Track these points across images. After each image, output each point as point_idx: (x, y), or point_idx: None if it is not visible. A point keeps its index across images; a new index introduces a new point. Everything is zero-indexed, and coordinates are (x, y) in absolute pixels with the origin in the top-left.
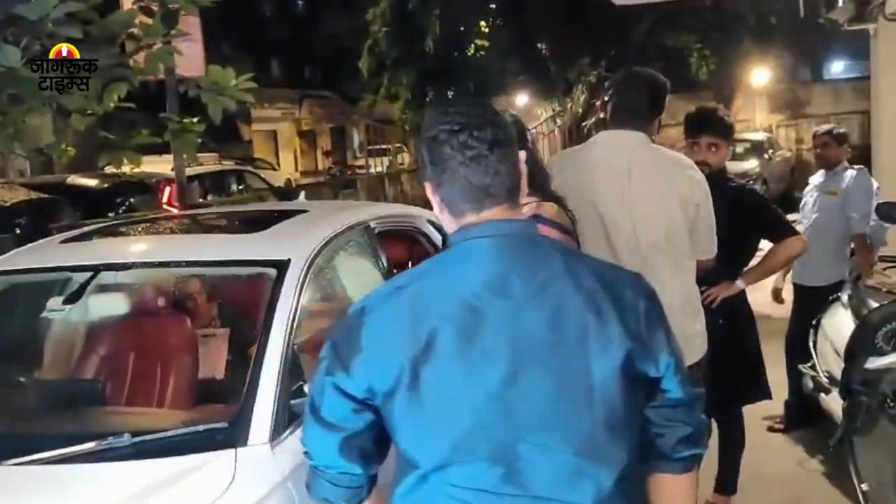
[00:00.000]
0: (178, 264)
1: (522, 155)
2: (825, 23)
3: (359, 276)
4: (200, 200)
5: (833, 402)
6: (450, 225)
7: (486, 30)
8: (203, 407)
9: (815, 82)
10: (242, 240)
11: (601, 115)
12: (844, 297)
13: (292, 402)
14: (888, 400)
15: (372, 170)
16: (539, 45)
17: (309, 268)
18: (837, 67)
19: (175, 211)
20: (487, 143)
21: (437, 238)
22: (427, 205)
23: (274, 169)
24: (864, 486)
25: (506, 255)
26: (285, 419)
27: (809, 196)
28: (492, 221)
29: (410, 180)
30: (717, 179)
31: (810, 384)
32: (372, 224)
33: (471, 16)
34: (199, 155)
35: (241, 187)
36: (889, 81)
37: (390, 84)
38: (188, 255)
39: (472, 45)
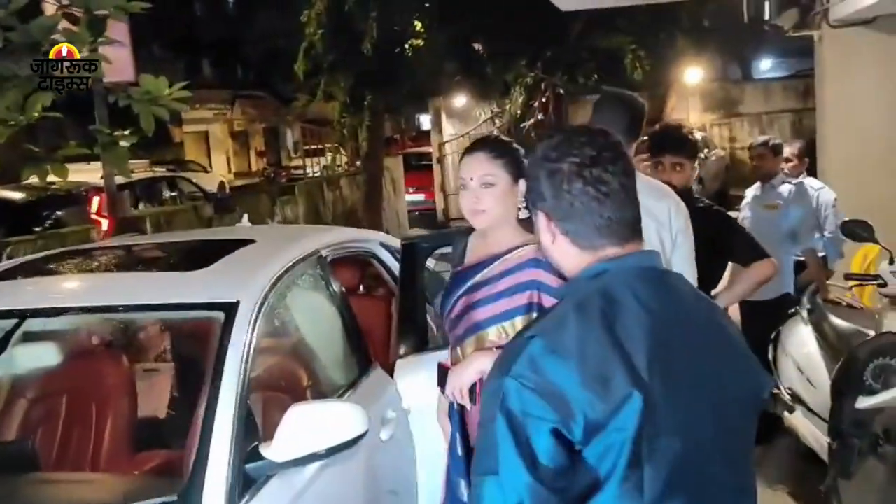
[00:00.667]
0: (113, 309)
1: (521, 185)
2: (770, 29)
3: (311, 312)
4: (132, 209)
5: (797, 420)
6: (571, 258)
7: (422, 30)
8: (146, 454)
9: (745, 81)
10: (185, 280)
11: (539, 117)
12: (804, 311)
13: (247, 466)
14: (879, 441)
15: (308, 171)
16: (476, 46)
17: (259, 310)
18: (766, 66)
19: (104, 223)
20: (620, 177)
21: (392, 262)
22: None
23: (206, 171)
24: None
25: (658, 287)
26: (240, 488)
27: (749, 210)
28: (636, 254)
29: (350, 184)
30: (684, 200)
31: (772, 402)
32: (324, 253)
33: (407, 16)
34: (129, 162)
35: (173, 194)
36: (833, 88)
37: (327, 86)
38: (125, 298)
39: (409, 46)
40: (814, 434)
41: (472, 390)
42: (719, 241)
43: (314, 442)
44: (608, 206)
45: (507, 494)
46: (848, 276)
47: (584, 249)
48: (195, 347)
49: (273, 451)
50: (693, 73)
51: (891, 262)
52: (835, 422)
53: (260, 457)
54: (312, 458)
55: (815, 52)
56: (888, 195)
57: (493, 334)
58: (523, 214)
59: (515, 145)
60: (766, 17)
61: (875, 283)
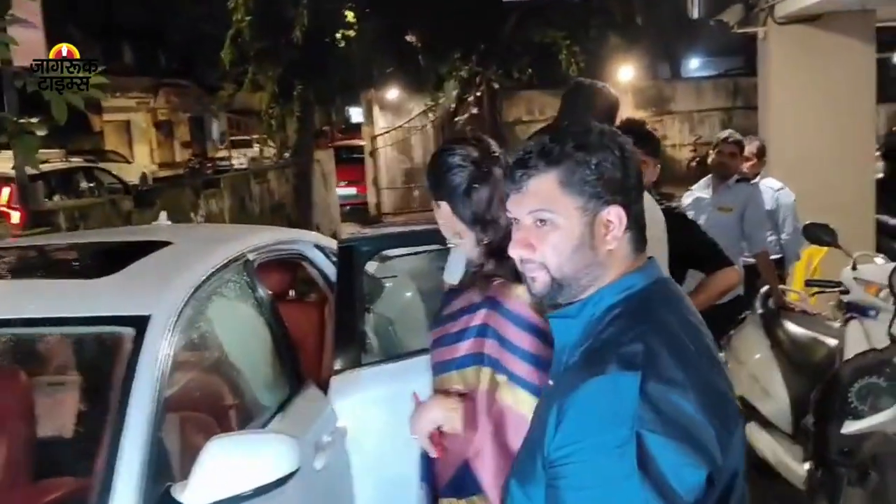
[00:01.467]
0: (5, 324)
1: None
2: (715, 25)
3: (236, 324)
4: (46, 201)
5: (749, 430)
6: (620, 263)
7: (354, 20)
8: (48, 482)
9: (676, 79)
10: (90, 289)
11: (473, 111)
12: (756, 316)
13: None
14: (869, 470)
15: (234, 161)
16: (409, 38)
17: (175, 325)
18: (695, 65)
19: (15, 215)
20: None
21: (326, 265)
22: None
23: (128, 162)
24: None
25: (677, 301)
26: None
27: (698, 211)
28: (653, 262)
29: (278, 177)
30: None
31: None
32: (251, 257)
33: (339, 5)
34: (43, 151)
35: (91, 185)
36: (778, 85)
37: (255, 75)
38: (20, 311)
39: (341, 36)
40: (769, 445)
41: (433, 438)
42: (683, 247)
43: (237, 482)
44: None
45: None
46: (809, 283)
47: (632, 253)
48: (105, 360)
49: (189, 494)
50: (625, 71)
51: (853, 269)
52: (819, 450)
53: (172, 501)
54: (236, 500)
55: (759, 50)
56: (830, 193)
57: (455, 380)
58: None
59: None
60: (695, 13)
61: (837, 290)
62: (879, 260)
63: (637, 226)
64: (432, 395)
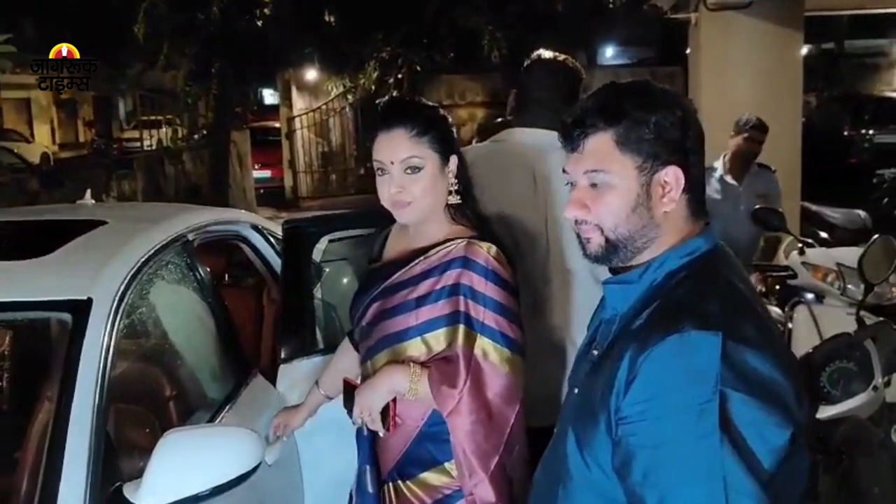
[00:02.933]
0: None
1: (453, 163)
2: (648, 10)
3: (179, 309)
4: None
5: None
6: (679, 228)
7: None
8: None
9: (592, 67)
10: (20, 271)
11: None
12: None
13: None
14: (842, 454)
15: (144, 143)
16: (328, 19)
17: (117, 311)
18: (610, 53)
19: None
20: None
21: (265, 248)
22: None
23: (28, 141)
24: None
25: (736, 266)
26: None
27: (732, 200)
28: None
29: (193, 159)
30: None
31: None
32: (190, 237)
33: None
34: None
35: None
36: (708, 71)
37: (170, 53)
38: None
39: (259, 15)
40: None
41: (384, 412)
42: None
43: (195, 480)
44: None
45: None
46: (757, 267)
47: (692, 217)
48: (41, 349)
49: (141, 494)
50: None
51: (801, 253)
52: None
53: (124, 502)
54: (193, 500)
55: (690, 36)
56: None
57: (413, 348)
58: (454, 199)
59: (441, 111)
60: None
61: (785, 273)
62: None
63: (696, 189)
64: (385, 367)
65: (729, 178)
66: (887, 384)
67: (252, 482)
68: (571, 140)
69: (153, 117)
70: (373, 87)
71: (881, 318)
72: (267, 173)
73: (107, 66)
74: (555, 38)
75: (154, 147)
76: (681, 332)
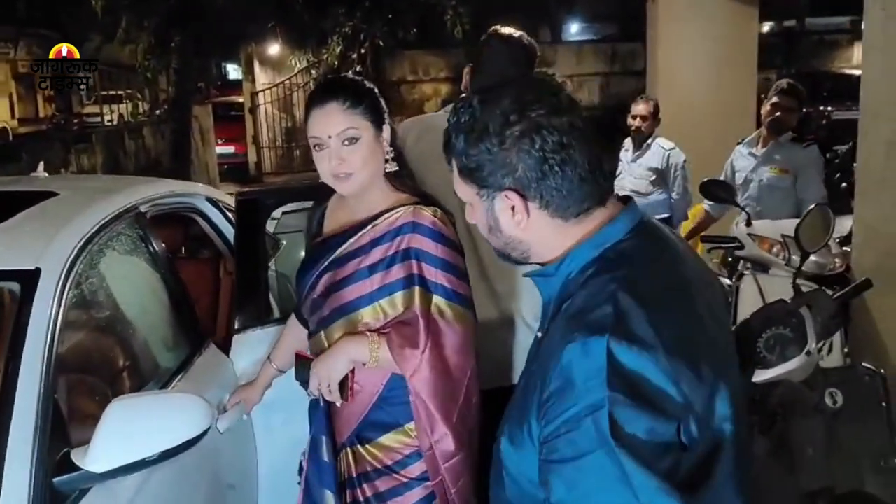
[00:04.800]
0: None
1: (386, 131)
2: None
3: (130, 280)
4: None
5: None
6: (553, 236)
7: None
8: None
9: (556, 43)
10: None
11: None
12: None
13: (56, 480)
14: (777, 416)
15: (105, 118)
16: None
17: (66, 279)
18: (575, 29)
19: None
20: (582, 118)
21: (220, 220)
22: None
23: None
24: None
25: (660, 244)
26: None
27: (751, 172)
28: (625, 211)
29: (154, 133)
30: None
31: None
32: (143, 208)
33: None
34: None
35: None
36: (665, 47)
37: (129, 27)
38: None
39: None
40: None
41: (342, 383)
42: None
43: (143, 445)
44: (586, 155)
45: None
46: (705, 239)
47: (569, 220)
48: None
49: (90, 459)
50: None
51: (748, 224)
52: None
53: (72, 467)
54: (141, 465)
55: (648, 12)
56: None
57: (369, 315)
58: (391, 167)
59: (367, 83)
60: None
61: (732, 245)
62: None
63: (556, 197)
64: (342, 339)
65: (755, 150)
66: (822, 350)
67: (204, 449)
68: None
69: (113, 92)
70: (336, 63)
71: (817, 286)
72: (231, 149)
73: (66, 40)
74: (518, 13)
75: (115, 122)
76: (575, 341)
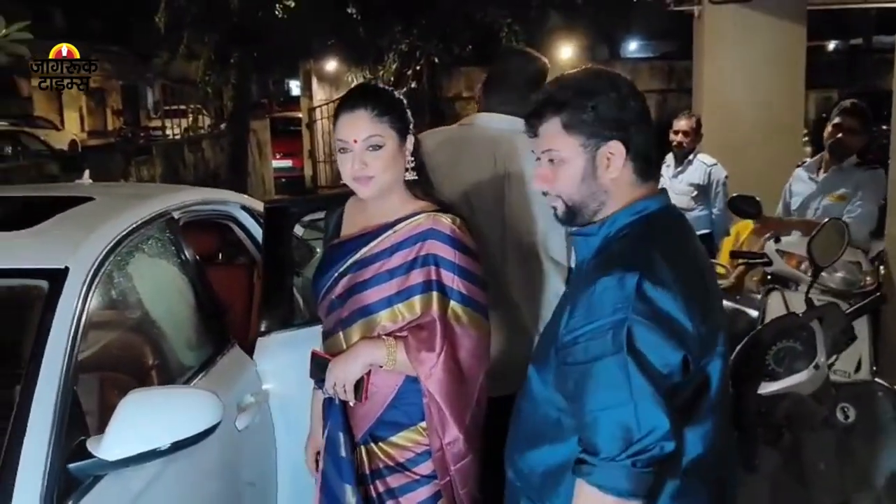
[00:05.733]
0: None
1: (409, 142)
2: (652, 2)
3: (158, 282)
4: None
5: None
6: (626, 191)
7: None
8: None
9: (614, 60)
10: (6, 241)
11: (412, 86)
12: None
13: (71, 466)
14: (782, 430)
15: (169, 132)
16: (349, 10)
17: (93, 280)
18: (633, 47)
19: None
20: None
21: (255, 227)
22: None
23: (57, 129)
24: None
25: (685, 230)
26: (61, 491)
27: (807, 198)
28: (663, 191)
29: (212, 146)
30: None
31: None
32: (175, 214)
33: None
34: None
35: (18, 149)
36: (711, 64)
37: (190, 42)
38: None
39: (279, 5)
40: None
41: (357, 385)
42: None
43: (155, 436)
44: (650, 131)
45: (642, 421)
46: (735, 255)
47: (639, 181)
48: (21, 315)
49: (104, 447)
50: (564, 51)
51: (776, 241)
52: (737, 411)
53: (87, 454)
54: (152, 455)
55: (694, 29)
56: (757, 173)
57: (387, 317)
58: (410, 176)
59: (398, 95)
60: None
61: (761, 261)
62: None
63: (640, 157)
64: (359, 342)
65: (815, 175)
66: (832, 364)
67: (224, 446)
68: (531, 127)
69: (177, 107)
70: (391, 80)
71: (831, 301)
72: (288, 163)
73: (134, 56)
74: (575, 31)
75: (179, 136)
76: (610, 274)
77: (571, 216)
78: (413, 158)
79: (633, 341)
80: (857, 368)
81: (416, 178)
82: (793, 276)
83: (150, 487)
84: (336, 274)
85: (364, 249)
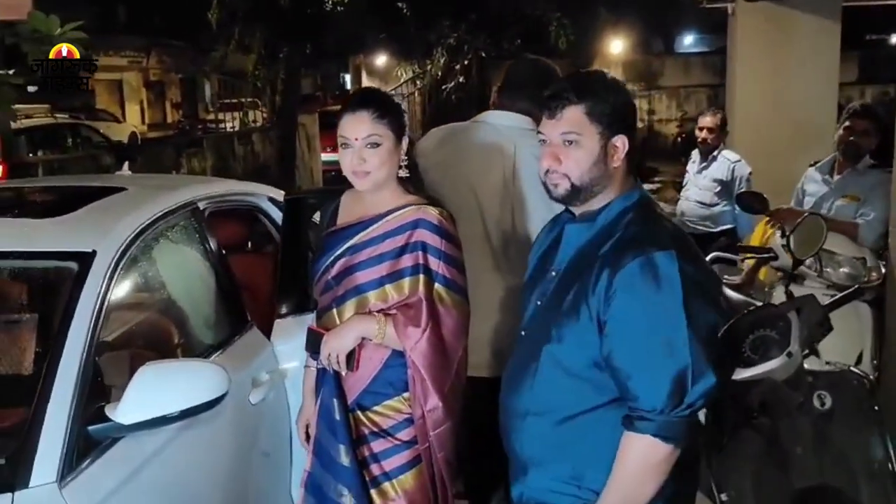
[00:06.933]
0: None
1: (404, 143)
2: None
3: (181, 266)
4: (30, 156)
5: None
6: (623, 177)
7: None
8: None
9: (666, 54)
10: (40, 226)
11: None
12: None
13: (90, 428)
14: (754, 413)
15: (226, 125)
16: (399, 4)
17: (118, 262)
18: (688, 41)
19: None
20: None
21: (279, 217)
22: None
23: (118, 121)
24: (724, 497)
25: None
26: (81, 450)
27: (820, 199)
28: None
29: (262, 139)
30: None
31: None
32: (201, 205)
33: None
34: (28, 106)
35: (77, 141)
36: (744, 61)
37: (242, 37)
38: None
39: (330, 1)
40: None
41: (349, 356)
42: None
43: (166, 403)
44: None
45: (696, 378)
46: (742, 249)
47: (628, 174)
48: (51, 295)
49: (119, 412)
50: (616, 45)
51: (783, 236)
52: None
53: (105, 418)
54: (163, 420)
55: (728, 25)
56: (788, 171)
57: (376, 296)
58: (403, 173)
59: (397, 100)
60: None
61: (767, 256)
62: None
63: (633, 153)
64: (352, 317)
65: (828, 176)
66: (809, 354)
67: (234, 418)
68: (550, 109)
69: (234, 100)
70: (439, 74)
71: (809, 293)
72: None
73: (192, 50)
74: (625, 25)
75: (236, 129)
76: (646, 254)
77: (572, 196)
78: (406, 157)
79: (688, 308)
80: (858, 361)
81: (409, 175)
82: (799, 272)
83: (162, 450)
84: (333, 257)
85: (359, 235)
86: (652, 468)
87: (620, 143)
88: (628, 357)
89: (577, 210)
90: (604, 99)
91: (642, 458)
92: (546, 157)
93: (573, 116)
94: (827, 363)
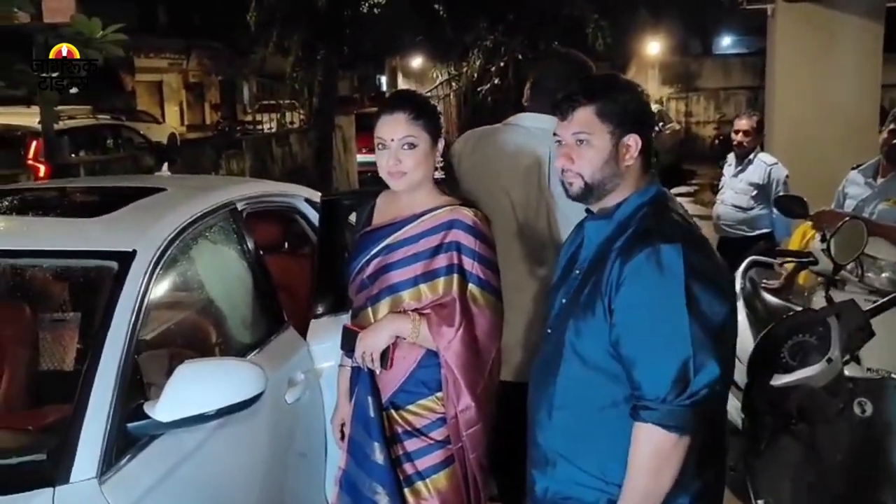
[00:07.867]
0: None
1: (440, 144)
2: (725, 1)
3: (219, 266)
4: (72, 156)
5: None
6: (638, 175)
7: None
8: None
9: (705, 56)
10: (82, 226)
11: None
12: (737, 288)
13: (130, 425)
14: (793, 419)
15: (265, 127)
16: (436, 6)
17: (158, 262)
18: (727, 42)
19: (41, 168)
20: None
21: (315, 218)
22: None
23: (158, 122)
24: (761, 503)
25: None
26: (120, 447)
27: (864, 202)
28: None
29: (299, 140)
30: None
31: None
32: (239, 206)
33: None
34: (70, 108)
35: (118, 142)
36: (784, 61)
37: (280, 39)
38: (12, 242)
39: (366, 3)
40: (733, 404)
41: (383, 354)
42: None
43: (203, 402)
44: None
45: (700, 368)
46: (780, 253)
47: (643, 172)
48: (92, 293)
49: (158, 410)
50: (653, 46)
51: (823, 240)
52: (748, 399)
53: (144, 416)
54: (201, 418)
55: (768, 26)
56: (829, 172)
57: (411, 296)
58: (438, 175)
59: (433, 103)
60: None
61: (807, 260)
62: None
63: (647, 151)
64: (387, 316)
65: (871, 179)
66: (849, 360)
67: (270, 417)
68: (562, 111)
69: (272, 102)
70: (475, 76)
71: (850, 298)
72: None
73: (231, 52)
74: (664, 26)
75: (273, 130)
76: (653, 246)
77: (586, 194)
78: (442, 159)
79: (691, 300)
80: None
81: (444, 177)
82: (840, 276)
83: (199, 448)
84: (368, 256)
85: (394, 235)
86: (662, 459)
87: (632, 141)
88: (633, 345)
89: (595, 207)
90: (614, 99)
91: (651, 448)
92: (560, 158)
93: (583, 117)
94: (868, 370)
